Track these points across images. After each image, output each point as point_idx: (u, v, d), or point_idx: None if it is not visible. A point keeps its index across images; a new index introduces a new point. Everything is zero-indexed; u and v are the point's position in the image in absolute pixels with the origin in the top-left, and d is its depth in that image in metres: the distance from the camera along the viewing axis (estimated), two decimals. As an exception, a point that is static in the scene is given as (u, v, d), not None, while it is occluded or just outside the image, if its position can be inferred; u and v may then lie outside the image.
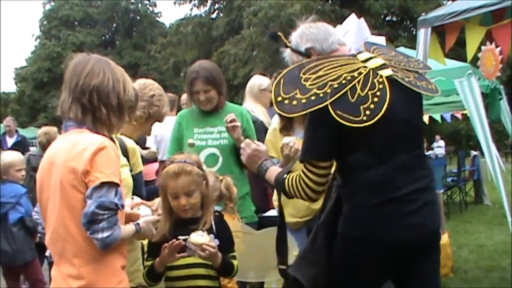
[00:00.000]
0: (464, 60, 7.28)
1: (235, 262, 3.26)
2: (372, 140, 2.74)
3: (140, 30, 53.88)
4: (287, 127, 4.45)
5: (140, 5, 54.82)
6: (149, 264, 3.16)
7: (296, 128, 4.48)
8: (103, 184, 2.38)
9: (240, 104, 4.98)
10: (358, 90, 2.71)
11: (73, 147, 2.46)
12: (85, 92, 2.53)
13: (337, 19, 34.52)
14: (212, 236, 3.15)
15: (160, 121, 3.86)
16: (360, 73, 2.77)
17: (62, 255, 2.50)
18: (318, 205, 4.22)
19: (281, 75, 2.87)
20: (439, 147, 26.41)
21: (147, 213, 2.94)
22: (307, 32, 3.06)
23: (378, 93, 2.71)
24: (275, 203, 4.58)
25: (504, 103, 9.21)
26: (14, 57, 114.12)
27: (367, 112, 2.66)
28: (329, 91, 2.69)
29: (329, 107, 2.66)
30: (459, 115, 14.91)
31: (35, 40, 53.66)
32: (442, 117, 14.95)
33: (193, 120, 4.41)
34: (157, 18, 56.59)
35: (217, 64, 4.78)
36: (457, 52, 7.90)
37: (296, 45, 3.09)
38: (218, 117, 4.41)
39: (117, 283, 2.53)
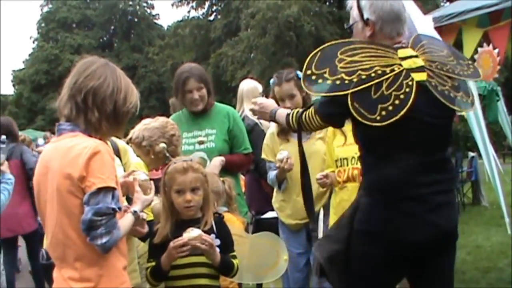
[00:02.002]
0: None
1: (235, 261, 3.30)
2: (392, 139, 2.75)
3: (138, 32, 53.84)
4: (284, 130, 4.46)
5: (138, 7, 54.76)
6: (152, 264, 3.18)
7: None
8: (99, 189, 2.39)
9: (234, 107, 4.98)
10: (383, 88, 2.70)
11: (68, 152, 2.45)
12: (81, 91, 2.53)
13: (334, 21, 34.63)
14: (213, 236, 3.19)
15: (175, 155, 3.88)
16: (392, 70, 2.74)
17: (63, 260, 2.50)
18: (317, 207, 4.28)
19: (320, 47, 2.88)
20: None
21: (144, 178, 2.94)
22: (379, 4, 2.90)
23: (401, 96, 2.69)
24: (275, 205, 4.60)
25: (501, 105, 9.23)
26: (12, 60, 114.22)
27: (383, 113, 2.67)
28: (355, 80, 2.69)
29: (349, 97, 2.68)
30: (455, 118, 14.89)
31: (33, 42, 53.63)
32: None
33: (182, 125, 4.39)
34: (155, 20, 56.54)
35: (214, 66, 4.78)
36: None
37: (364, 6, 2.94)
38: (206, 120, 4.44)
39: (119, 283, 2.54)
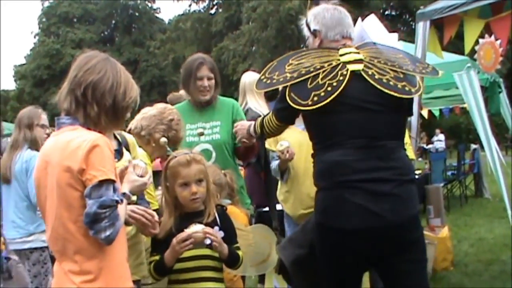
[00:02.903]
0: (462, 54, 7.29)
1: (240, 253, 3.31)
2: (324, 122, 2.97)
3: (139, 26, 53.87)
4: None
5: (139, 1, 54.77)
6: (156, 258, 3.18)
7: (297, 120, 4.48)
8: (101, 182, 2.38)
9: (236, 100, 4.97)
10: (319, 79, 2.94)
11: (67, 145, 2.45)
12: (80, 85, 2.52)
13: (336, 14, 34.61)
14: (216, 228, 3.19)
15: (177, 144, 3.83)
16: (330, 64, 2.98)
17: (63, 253, 2.49)
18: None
19: (277, 58, 3.21)
20: (439, 141, 26.40)
21: (142, 165, 2.93)
22: (321, 15, 3.24)
23: (334, 84, 2.90)
24: (280, 198, 4.59)
25: (503, 96, 9.22)
26: (13, 55, 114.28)
27: (315, 98, 2.88)
28: (295, 75, 2.96)
29: (287, 88, 2.96)
30: (457, 110, 14.92)
31: (34, 37, 53.73)
32: (440, 111, 14.96)
33: (185, 116, 4.37)
34: (156, 14, 56.58)
35: (216, 59, 4.78)
36: (456, 45, 7.90)
37: (309, 21, 3.29)
38: (211, 112, 4.41)
39: (120, 275, 2.54)
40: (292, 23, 33.24)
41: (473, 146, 13.81)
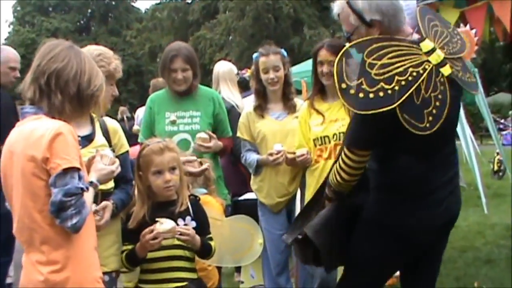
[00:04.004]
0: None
1: (212, 243, 3.31)
2: (425, 141, 2.71)
3: (116, 15, 53.37)
4: (261, 106, 4.48)
5: (114, -10, 54.29)
6: (128, 248, 3.17)
7: (271, 109, 4.49)
8: (65, 170, 2.36)
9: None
10: (423, 91, 2.65)
11: (31, 134, 2.43)
12: (44, 74, 2.50)
13: (312, 3, 34.57)
14: (188, 218, 3.19)
15: (114, 78, 3.65)
16: (424, 69, 2.69)
17: (31, 243, 2.48)
18: (292, 187, 4.31)
19: (341, 54, 2.74)
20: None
21: (110, 154, 2.91)
22: (379, 3, 2.79)
23: (439, 96, 2.68)
24: (253, 187, 4.59)
25: (479, 86, 9.28)
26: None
27: (430, 118, 2.64)
28: (397, 88, 2.60)
29: (397, 110, 2.60)
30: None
31: (9, 26, 52.94)
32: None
33: (164, 105, 4.36)
34: (132, 3, 56.05)
35: (193, 49, 4.71)
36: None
37: (362, 9, 2.82)
38: (190, 101, 4.37)
39: (88, 265, 2.52)
40: (269, 12, 33.20)
41: (449, 135, 13.90)
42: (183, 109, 4.34)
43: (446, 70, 2.74)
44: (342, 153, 2.88)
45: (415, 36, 2.86)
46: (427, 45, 2.77)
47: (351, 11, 2.87)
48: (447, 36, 2.92)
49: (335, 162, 3.02)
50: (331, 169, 3.06)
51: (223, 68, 5.63)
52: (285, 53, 4.51)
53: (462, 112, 7.03)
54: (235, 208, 4.64)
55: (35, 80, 2.52)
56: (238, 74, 5.73)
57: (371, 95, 2.59)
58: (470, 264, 6.26)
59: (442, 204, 2.90)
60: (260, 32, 33.64)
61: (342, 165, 2.87)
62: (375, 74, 2.62)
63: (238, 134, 4.55)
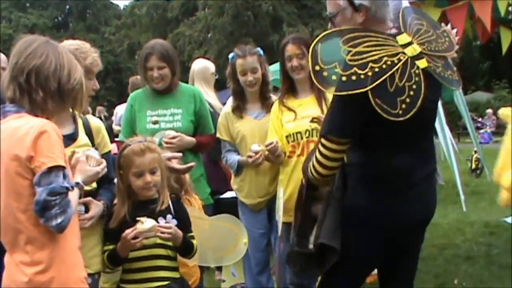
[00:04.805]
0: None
1: (194, 242, 3.30)
2: (401, 129, 2.72)
3: (94, 12, 53.04)
4: (240, 107, 4.46)
5: (93, -14, 53.93)
6: (110, 248, 3.14)
7: (249, 109, 4.48)
8: (50, 169, 2.33)
9: None
10: (397, 80, 2.66)
11: (14, 133, 2.39)
12: (23, 72, 2.46)
13: (291, 1, 34.64)
14: (169, 216, 3.17)
15: (93, 72, 3.59)
16: (399, 60, 2.69)
17: (14, 244, 2.44)
18: (273, 187, 4.31)
19: (318, 38, 2.74)
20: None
21: (95, 155, 2.88)
22: None
23: (414, 86, 2.68)
24: (234, 186, 4.59)
25: (460, 84, 9.34)
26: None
27: (403, 106, 2.64)
28: (370, 74, 2.61)
29: (369, 94, 2.60)
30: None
31: (-15, 22, 52.39)
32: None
33: (145, 102, 4.32)
34: (111, 0, 55.78)
35: (172, 46, 4.67)
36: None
37: None
38: (171, 99, 4.34)
39: (72, 265, 2.50)
40: (248, 9, 33.22)
41: (427, 133, 14.01)
42: (164, 107, 4.31)
43: (422, 63, 2.75)
44: (319, 145, 2.84)
45: (393, 31, 2.89)
46: (403, 38, 2.80)
47: None
48: (432, 35, 2.94)
49: (312, 153, 2.98)
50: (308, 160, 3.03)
51: (198, 66, 5.61)
52: (261, 52, 4.48)
53: (441, 110, 7.06)
54: (217, 206, 4.62)
55: (13, 78, 2.48)
56: (213, 73, 5.68)
57: (344, 78, 2.60)
58: (449, 261, 6.31)
59: (421, 199, 2.92)
60: (239, 29, 33.68)
61: (319, 157, 2.83)
62: (349, 60, 2.62)
63: (218, 135, 4.54)
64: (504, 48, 6.50)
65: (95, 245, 3.15)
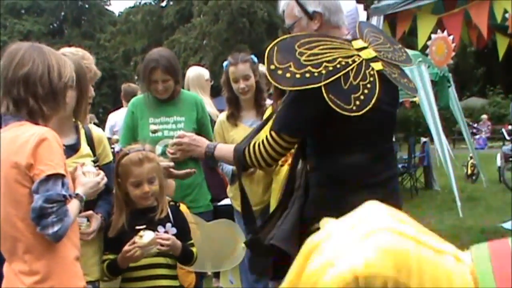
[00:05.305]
0: (413, 49, 7.40)
1: (194, 250, 3.29)
2: (355, 128, 2.74)
3: (89, 18, 52.98)
4: (234, 115, 4.45)
5: (88, -8, 53.90)
6: (110, 258, 3.12)
7: (244, 116, 4.48)
8: (49, 177, 2.32)
9: None
10: (351, 78, 2.69)
11: (14, 141, 2.38)
12: (14, 84, 2.44)
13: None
14: (169, 225, 3.16)
15: (94, 80, 3.59)
16: (354, 61, 2.73)
17: (13, 253, 2.43)
18: (270, 194, 4.30)
19: (274, 42, 2.80)
20: (389, 134, 26.72)
21: (92, 170, 2.88)
22: None
23: (368, 85, 2.71)
24: (229, 194, 4.58)
25: (452, 91, 9.40)
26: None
27: (357, 102, 2.65)
28: (324, 72, 2.64)
29: (322, 89, 2.63)
30: (407, 104, 15.15)
31: (-20, 28, 52.30)
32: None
33: (147, 110, 4.31)
34: (106, 6, 55.73)
35: (173, 54, 4.66)
36: (405, 41, 8.02)
37: (305, 1, 2.90)
38: (174, 107, 4.32)
39: (71, 276, 2.49)
40: (243, 16, 33.25)
41: (423, 139, 14.03)
42: (167, 115, 4.29)
43: (377, 66, 2.79)
44: (269, 138, 2.85)
45: (349, 37, 2.94)
46: (357, 43, 2.85)
47: (296, 3, 2.94)
48: (390, 48, 3.01)
49: (250, 137, 3.05)
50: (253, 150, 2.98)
51: (192, 74, 5.62)
52: (255, 59, 4.48)
53: (437, 116, 7.09)
54: (214, 213, 4.62)
55: (6, 93, 2.46)
56: (208, 80, 5.69)
57: (298, 75, 2.64)
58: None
59: (384, 202, 2.87)
60: (234, 36, 33.71)
61: (270, 150, 2.85)
62: (304, 60, 2.68)
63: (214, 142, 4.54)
64: (501, 55, 6.54)
65: (94, 253, 3.13)
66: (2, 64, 2.50)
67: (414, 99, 12.77)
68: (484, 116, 26.48)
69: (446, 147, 8.74)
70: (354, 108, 2.64)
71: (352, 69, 2.71)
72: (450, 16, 5.57)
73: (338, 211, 2.78)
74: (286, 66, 2.68)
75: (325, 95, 2.62)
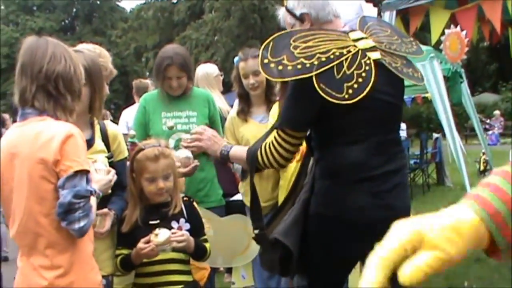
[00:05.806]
0: (426, 45, 7.37)
1: (207, 245, 3.29)
2: (352, 119, 2.74)
3: (100, 15, 53.06)
4: (244, 110, 4.45)
5: (99, -11, 54.01)
6: (123, 253, 3.14)
7: (254, 112, 4.48)
8: (76, 173, 2.34)
9: None
10: (345, 68, 2.69)
11: (38, 136, 2.39)
12: (50, 79, 2.44)
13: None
14: (182, 220, 3.16)
15: (109, 79, 3.59)
16: (349, 51, 2.73)
17: (33, 247, 2.44)
18: (277, 191, 4.29)
19: (271, 38, 2.81)
20: (401, 130, 26.63)
21: (103, 167, 2.89)
22: None
23: (363, 74, 2.70)
24: (241, 190, 4.59)
25: (465, 86, 9.34)
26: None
27: (350, 91, 2.65)
28: (316, 62, 2.65)
29: (313, 78, 2.63)
30: (419, 99, 15.09)
31: (-8, 25, 52.52)
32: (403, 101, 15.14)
33: (159, 105, 4.33)
34: (117, 3, 55.74)
35: (185, 50, 4.68)
36: (418, 36, 7.99)
37: (292, 7, 2.97)
38: (186, 102, 4.35)
39: (89, 270, 2.52)
40: (254, 12, 33.21)
41: (435, 135, 13.96)
42: (179, 109, 4.32)
43: (373, 55, 2.78)
44: (276, 136, 2.88)
45: (347, 29, 2.93)
46: (355, 34, 2.85)
47: (286, 11, 3.01)
48: (397, 39, 3.00)
49: (260, 141, 3.05)
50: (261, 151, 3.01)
51: (201, 73, 5.63)
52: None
53: (449, 112, 7.05)
54: (227, 208, 4.63)
55: (41, 87, 2.45)
56: (217, 76, 5.69)
57: (289, 67, 2.66)
58: (459, 263, 6.25)
59: (383, 196, 2.83)
60: (246, 32, 33.68)
61: (279, 149, 2.88)
62: (298, 53, 2.69)
63: (225, 139, 4.54)
64: (513, 50, 6.50)
65: (107, 248, 3.15)
66: (29, 58, 2.49)
67: (426, 95, 12.69)
68: (497, 112, 26.33)
69: (459, 143, 8.69)
70: (346, 96, 2.64)
71: (346, 59, 2.71)
72: (463, 11, 5.55)
73: (334, 206, 2.85)
74: (279, 59, 2.70)
75: (316, 85, 2.63)
